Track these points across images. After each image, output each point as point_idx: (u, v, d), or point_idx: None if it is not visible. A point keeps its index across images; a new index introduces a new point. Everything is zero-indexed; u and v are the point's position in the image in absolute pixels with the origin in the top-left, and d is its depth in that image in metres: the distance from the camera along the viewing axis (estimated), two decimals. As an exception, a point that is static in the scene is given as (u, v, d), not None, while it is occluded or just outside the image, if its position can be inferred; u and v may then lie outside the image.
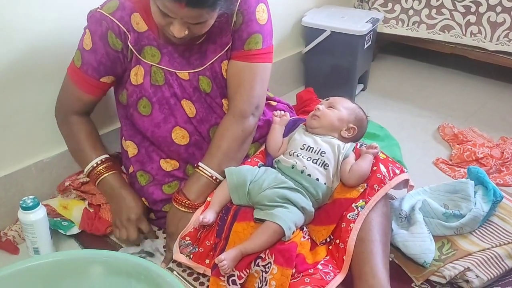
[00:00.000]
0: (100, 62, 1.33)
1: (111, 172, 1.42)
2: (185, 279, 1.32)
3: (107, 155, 1.44)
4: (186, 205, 1.34)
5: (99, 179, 1.41)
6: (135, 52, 1.34)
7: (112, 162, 1.45)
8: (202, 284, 1.31)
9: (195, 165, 1.39)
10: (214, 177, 1.35)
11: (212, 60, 1.38)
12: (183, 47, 1.36)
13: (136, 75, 1.36)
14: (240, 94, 1.37)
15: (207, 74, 1.39)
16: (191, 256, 1.30)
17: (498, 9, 2.21)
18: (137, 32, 1.33)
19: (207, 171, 1.35)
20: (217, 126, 1.41)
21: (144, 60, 1.35)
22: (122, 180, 1.44)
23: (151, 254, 1.41)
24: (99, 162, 1.41)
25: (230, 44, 1.37)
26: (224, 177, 1.35)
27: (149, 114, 1.39)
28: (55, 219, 1.46)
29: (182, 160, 1.45)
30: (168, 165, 1.45)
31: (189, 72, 1.38)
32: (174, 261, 1.35)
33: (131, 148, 1.46)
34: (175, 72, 1.37)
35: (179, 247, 1.31)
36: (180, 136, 1.41)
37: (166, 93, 1.37)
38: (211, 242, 1.29)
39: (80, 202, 1.50)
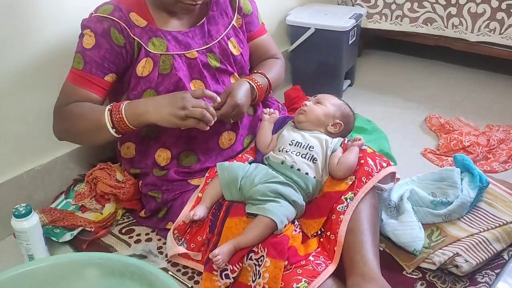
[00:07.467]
0: (104, 58, 1.33)
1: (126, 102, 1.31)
2: (179, 279, 1.34)
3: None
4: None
5: (122, 107, 1.27)
6: (143, 44, 1.36)
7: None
8: (197, 282, 1.32)
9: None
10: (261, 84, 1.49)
11: (219, 38, 1.47)
12: (185, 31, 1.41)
13: (144, 68, 1.37)
14: (274, 49, 1.70)
15: (215, 50, 1.45)
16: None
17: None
18: (139, 27, 1.36)
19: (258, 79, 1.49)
20: None
21: (153, 52, 1.37)
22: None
23: (143, 257, 1.41)
24: (112, 105, 1.30)
25: (232, 23, 1.51)
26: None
27: None
28: (47, 226, 1.47)
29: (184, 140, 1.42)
30: (161, 159, 1.43)
31: (197, 50, 1.42)
32: (169, 261, 1.37)
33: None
34: (183, 54, 1.40)
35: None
36: None
37: (174, 78, 1.38)
38: (203, 237, 1.30)
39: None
